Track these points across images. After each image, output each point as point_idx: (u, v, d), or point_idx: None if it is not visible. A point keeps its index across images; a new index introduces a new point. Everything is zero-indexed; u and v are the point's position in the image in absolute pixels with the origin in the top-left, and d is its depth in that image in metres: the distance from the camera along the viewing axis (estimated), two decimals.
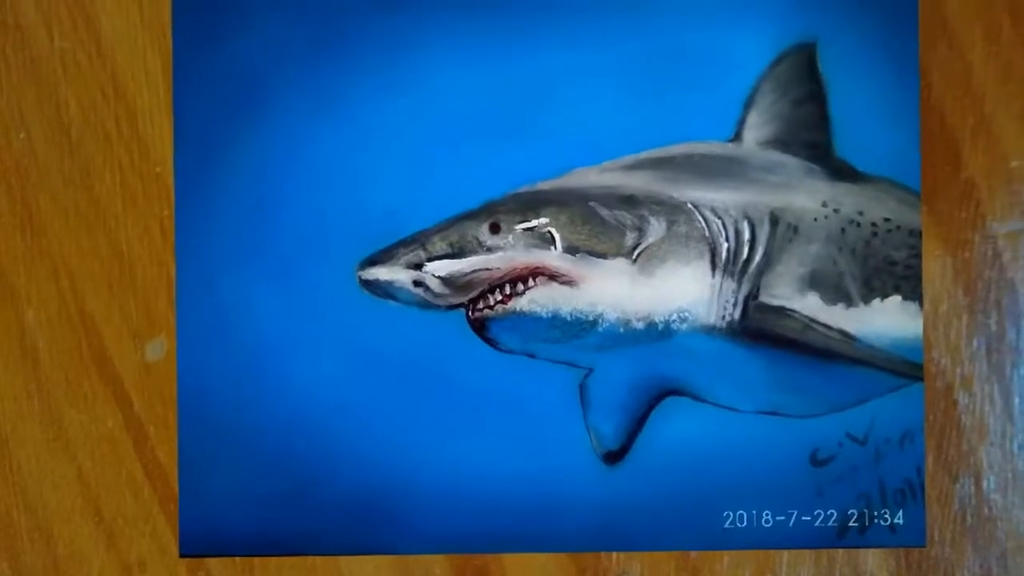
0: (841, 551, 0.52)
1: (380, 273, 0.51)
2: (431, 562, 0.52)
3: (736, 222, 0.51)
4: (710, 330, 0.51)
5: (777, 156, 0.52)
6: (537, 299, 0.50)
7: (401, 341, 0.52)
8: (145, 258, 0.53)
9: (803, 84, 0.52)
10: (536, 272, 0.50)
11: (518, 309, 0.50)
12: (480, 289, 0.51)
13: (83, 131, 0.52)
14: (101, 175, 0.53)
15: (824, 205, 0.52)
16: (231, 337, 0.52)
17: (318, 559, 0.52)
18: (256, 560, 0.52)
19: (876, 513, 0.52)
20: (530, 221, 0.51)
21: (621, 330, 0.50)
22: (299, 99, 0.52)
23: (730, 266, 0.51)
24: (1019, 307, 0.52)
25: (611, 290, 0.50)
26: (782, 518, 0.51)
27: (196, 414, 0.52)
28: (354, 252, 0.51)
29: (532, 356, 0.52)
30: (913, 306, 0.52)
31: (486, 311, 0.51)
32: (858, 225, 0.52)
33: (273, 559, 0.52)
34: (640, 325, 0.50)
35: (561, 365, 0.52)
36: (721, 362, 0.51)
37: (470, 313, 0.51)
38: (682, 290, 0.50)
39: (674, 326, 0.50)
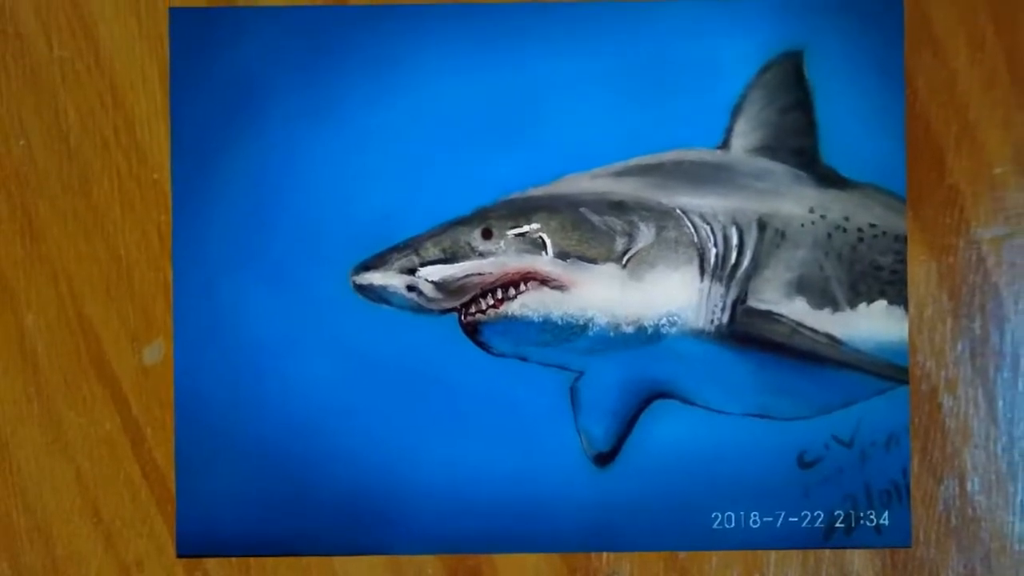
0: (828, 551, 0.52)
1: (374, 278, 0.51)
2: (424, 562, 0.53)
3: (724, 228, 0.52)
4: (699, 334, 0.51)
5: (764, 163, 0.53)
6: (528, 303, 0.51)
7: (395, 345, 0.52)
8: (143, 263, 0.53)
9: (790, 92, 0.52)
10: (527, 277, 0.51)
11: (510, 313, 0.51)
12: (472, 294, 0.51)
13: (82, 138, 0.53)
14: (99, 181, 0.53)
15: (811, 211, 0.52)
16: (227, 340, 0.52)
17: (313, 559, 0.53)
18: (252, 560, 0.53)
19: (862, 514, 0.52)
20: (522, 227, 0.51)
21: (611, 334, 0.51)
22: (294, 106, 0.52)
23: (718, 271, 0.51)
24: (1002, 311, 0.52)
25: (601, 295, 0.51)
26: (769, 519, 0.52)
27: (193, 416, 0.53)
28: (348, 257, 0.52)
29: (524, 359, 0.52)
30: (898, 310, 0.52)
31: (478, 315, 0.51)
32: (844, 231, 0.52)
33: (269, 559, 0.53)
34: (630, 329, 0.51)
35: (552, 368, 0.52)
36: (709, 365, 0.52)
37: (463, 317, 0.51)
38: (671, 295, 0.51)
39: (663, 330, 0.51)
